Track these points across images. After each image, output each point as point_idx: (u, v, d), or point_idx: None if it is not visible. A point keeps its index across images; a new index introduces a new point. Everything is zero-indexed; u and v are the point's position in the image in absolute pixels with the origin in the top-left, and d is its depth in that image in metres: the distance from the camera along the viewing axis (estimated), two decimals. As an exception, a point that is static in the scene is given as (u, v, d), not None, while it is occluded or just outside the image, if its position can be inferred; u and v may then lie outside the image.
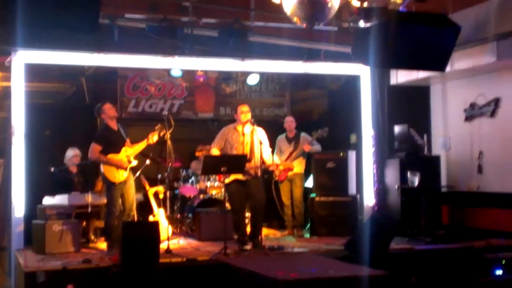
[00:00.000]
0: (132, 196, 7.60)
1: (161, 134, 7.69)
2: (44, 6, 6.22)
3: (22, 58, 7.57)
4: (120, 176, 7.42)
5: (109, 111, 7.61)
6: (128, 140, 7.65)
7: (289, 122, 9.29)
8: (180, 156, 9.22)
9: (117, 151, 7.50)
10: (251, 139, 7.65)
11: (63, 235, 7.38)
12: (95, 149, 7.43)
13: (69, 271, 6.18)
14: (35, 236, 7.49)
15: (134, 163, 7.60)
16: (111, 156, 7.44)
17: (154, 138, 7.66)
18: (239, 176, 7.52)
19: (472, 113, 9.05)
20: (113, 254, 6.83)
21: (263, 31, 8.72)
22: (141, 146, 7.68)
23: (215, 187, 9.11)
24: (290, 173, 8.99)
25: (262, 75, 10.55)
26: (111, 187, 7.44)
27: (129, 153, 7.54)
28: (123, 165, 7.44)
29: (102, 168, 7.45)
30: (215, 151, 7.76)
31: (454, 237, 8.23)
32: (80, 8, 6.35)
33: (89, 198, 7.74)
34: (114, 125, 7.63)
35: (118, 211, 7.47)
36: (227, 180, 7.58)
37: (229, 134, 7.75)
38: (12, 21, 6.09)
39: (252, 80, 10.42)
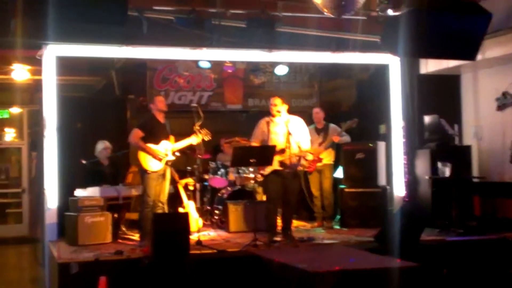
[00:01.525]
0: (160, 188, 7.62)
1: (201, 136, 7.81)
2: (73, 0, 6.29)
3: (53, 52, 7.66)
4: (153, 165, 7.49)
5: (158, 103, 7.80)
6: (172, 138, 7.73)
7: (315, 113, 9.25)
8: (209, 148, 9.25)
9: (157, 142, 7.61)
10: (287, 129, 7.57)
11: (95, 227, 7.47)
12: (136, 133, 7.58)
13: (102, 262, 6.27)
14: (68, 228, 7.60)
15: (171, 157, 7.64)
16: (149, 145, 7.53)
17: (198, 139, 7.77)
18: (276, 167, 7.48)
19: (504, 102, 8.89)
20: (145, 246, 6.90)
21: (291, 21, 8.66)
22: (183, 143, 7.74)
23: (246, 178, 9.09)
24: (319, 164, 8.94)
25: (291, 65, 10.51)
26: (144, 175, 7.54)
27: (167, 146, 7.60)
28: (158, 155, 7.52)
29: (138, 154, 7.55)
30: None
31: (486, 228, 8.12)
32: (109, 1, 6.39)
33: (120, 190, 7.81)
34: (161, 117, 7.77)
35: (151, 201, 7.52)
36: (266, 172, 7.57)
37: (264, 126, 7.69)
38: (43, 15, 6.16)
39: (281, 70, 10.38)
